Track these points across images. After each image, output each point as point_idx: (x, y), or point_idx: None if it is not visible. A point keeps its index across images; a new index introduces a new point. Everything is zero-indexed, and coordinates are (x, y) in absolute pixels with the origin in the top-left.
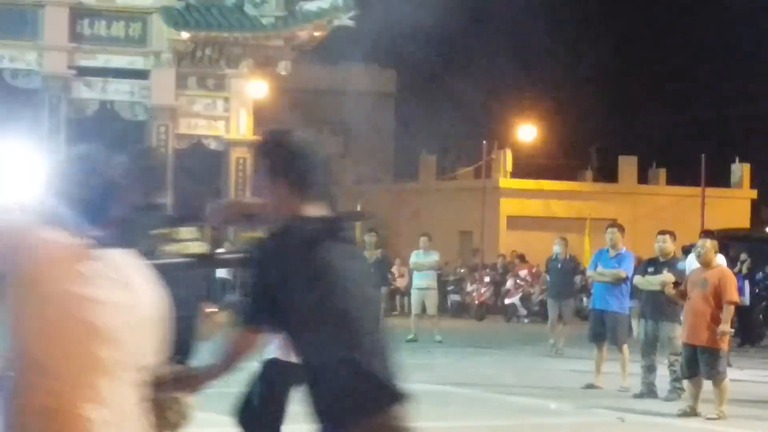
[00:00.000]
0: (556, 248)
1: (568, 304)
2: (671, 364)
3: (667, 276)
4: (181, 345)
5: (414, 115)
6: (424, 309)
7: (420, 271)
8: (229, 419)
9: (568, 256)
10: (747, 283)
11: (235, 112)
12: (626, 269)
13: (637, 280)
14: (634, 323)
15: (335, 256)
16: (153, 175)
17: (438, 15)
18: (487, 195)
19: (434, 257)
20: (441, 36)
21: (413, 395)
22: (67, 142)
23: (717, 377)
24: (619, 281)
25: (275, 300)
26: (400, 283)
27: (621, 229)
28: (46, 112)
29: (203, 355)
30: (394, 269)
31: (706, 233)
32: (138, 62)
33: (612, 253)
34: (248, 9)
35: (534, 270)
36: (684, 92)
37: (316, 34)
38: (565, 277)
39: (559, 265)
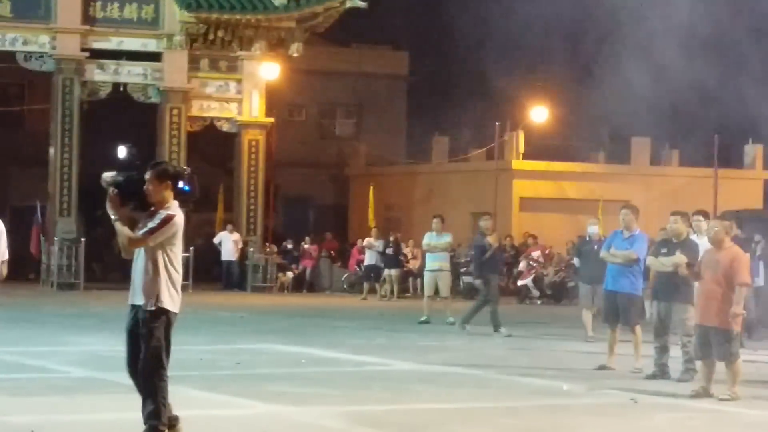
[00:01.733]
0: (593, 229)
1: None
2: (684, 345)
3: (679, 257)
4: None
5: (426, 97)
6: (436, 291)
7: (433, 253)
8: (244, 400)
9: (601, 238)
10: (762, 265)
11: (247, 94)
12: (639, 250)
13: (650, 261)
14: (647, 304)
15: None
16: None
17: None
18: (499, 176)
19: (447, 239)
20: (453, 17)
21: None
22: (81, 124)
23: (730, 358)
24: (631, 263)
25: None
26: (413, 264)
27: (635, 210)
28: (60, 95)
29: None
30: (407, 251)
31: (701, 213)
32: (151, 44)
33: (626, 234)
34: None
35: (547, 251)
36: (696, 72)
37: (328, 15)
38: (601, 259)
39: (595, 247)
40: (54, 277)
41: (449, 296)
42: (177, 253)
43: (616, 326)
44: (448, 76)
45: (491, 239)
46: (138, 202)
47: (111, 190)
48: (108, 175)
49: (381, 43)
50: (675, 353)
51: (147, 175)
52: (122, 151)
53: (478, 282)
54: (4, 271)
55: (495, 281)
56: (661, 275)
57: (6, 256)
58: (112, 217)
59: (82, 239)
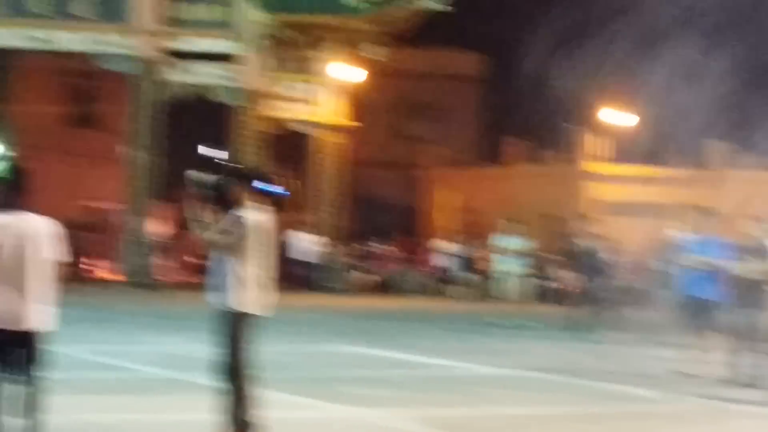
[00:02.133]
0: (677, 234)
1: None
2: (767, 353)
3: (761, 263)
4: None
5: (500, 98)
6: (508, 293)
7: (504, 256)
8: (318, 402)
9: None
10: None
11: (322, 95)
12: (716, 256)
13: (736, 267)
14: (727, 310)
15: None
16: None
17: None
18: (572, 179)
19: (519, 241)
20: (528, 18)
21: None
22: (157, 125)
23: None
24: (709, 268)
25: None
26: (485, 267)
27: (712, 215)
28: (137, 96)
29: None
30: (479, 253)
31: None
32: (226, 46)
33: (704, 240)
34: None
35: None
36: None
37: (404, 17)
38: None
39: (679, 252)
40: (128, 275)
41: (521, 299)
42: (255, 253)
43: (696, 331)
44: (522, 77)
45: (591, 242)
46: (220, 202)
47: (194, 188)
48: (193, 174)
49: (454, 44)
50: (756, 360)
51: (227, 176)
52: (204, 150)
53: (584, 284)
54: (62, 272)
55: (596, 284)
56: (746, 282)
57: (64, 258)
58: (191, 216)
59: (158, 238)
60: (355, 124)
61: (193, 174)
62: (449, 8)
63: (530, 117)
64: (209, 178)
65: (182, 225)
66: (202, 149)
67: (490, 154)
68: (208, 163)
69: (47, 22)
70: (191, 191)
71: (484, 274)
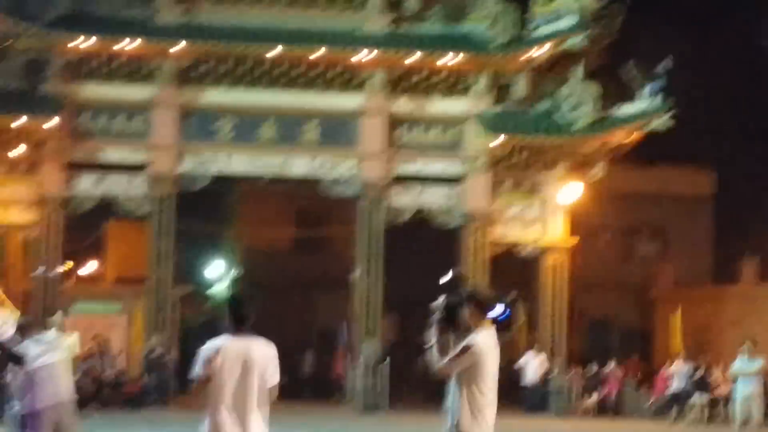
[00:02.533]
0: None
1: None
2: None
3: None
4: None
5: (734, 217)
6: (745, 417)
7: (744, 378)
8: None
9: None
10: None
11: (549, 216)
12: None
13: None
14: None
15: None
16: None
17: (756, 112)
18: None
19: (760, 363)
20: (760, 133)
21: None
22: (383, 248)
23: None
24: None
25: None
26: (723, 390)
27: None
28: (365, 220)
29: None
30: (716, 375)
31: None
32: (453, 168)
33: None
34: (562, 113)
35: None
36: None
37: (631, 136)
38: None
39: None
40: (359, 398)
41: (759, 422)
42: (483, 378)
43: None
44: (757, 194)
45: None
46: (451, 326)
47: (435, 315)
48: (436, 303)
49: (685, 161)
50: None
51: (461, 301)
52: (449, 275)
53: None
54: (274, 394)
55: None
56: None
57: (276, 380)
58: (429, 341)
59: (387, 360)
60: (580, 244)
61: (437, 301)
62: (672, 126)
63: (766, 234)
64: (443, 303)
65: (413, 346)
66: (445, 277)
67: (724, 273)
68: (446, 289)
69: (276, 148)
70: (433, 318)
71: (719, 397)
